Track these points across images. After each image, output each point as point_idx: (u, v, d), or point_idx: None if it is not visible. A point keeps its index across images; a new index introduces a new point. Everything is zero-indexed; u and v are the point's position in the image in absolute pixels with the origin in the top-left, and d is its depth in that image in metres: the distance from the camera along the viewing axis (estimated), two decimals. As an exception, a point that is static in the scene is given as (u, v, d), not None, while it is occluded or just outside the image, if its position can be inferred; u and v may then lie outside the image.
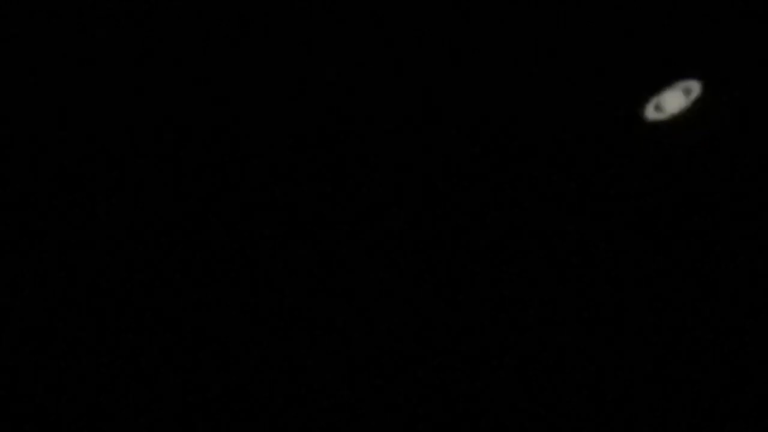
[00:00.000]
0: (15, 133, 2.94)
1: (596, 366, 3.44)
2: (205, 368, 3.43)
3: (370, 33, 3.04)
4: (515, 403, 3.45)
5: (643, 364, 3.41)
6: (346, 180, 3.33)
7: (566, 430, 3.42)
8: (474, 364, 3.47)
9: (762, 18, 3.28)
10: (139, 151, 3.12)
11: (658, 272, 3.45)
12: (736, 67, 3.31)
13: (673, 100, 3.34)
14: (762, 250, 3.39)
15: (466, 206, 3.38)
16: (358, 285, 3.45)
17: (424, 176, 3.25)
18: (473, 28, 3.18)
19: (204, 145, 3.15)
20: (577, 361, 3.42)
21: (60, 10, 2.89)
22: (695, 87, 3.32)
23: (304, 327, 3.46)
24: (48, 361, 3.29)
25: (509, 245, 3.46)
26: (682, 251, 3.44)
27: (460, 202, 3.37)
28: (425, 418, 3.48)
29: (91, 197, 3.13)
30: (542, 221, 3.44)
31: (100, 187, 3.13)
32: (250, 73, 3.09)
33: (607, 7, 3.28)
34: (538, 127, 3.34)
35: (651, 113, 3.35)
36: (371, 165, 3.21)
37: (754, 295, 3.36)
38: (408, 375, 3.48)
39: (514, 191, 3.38)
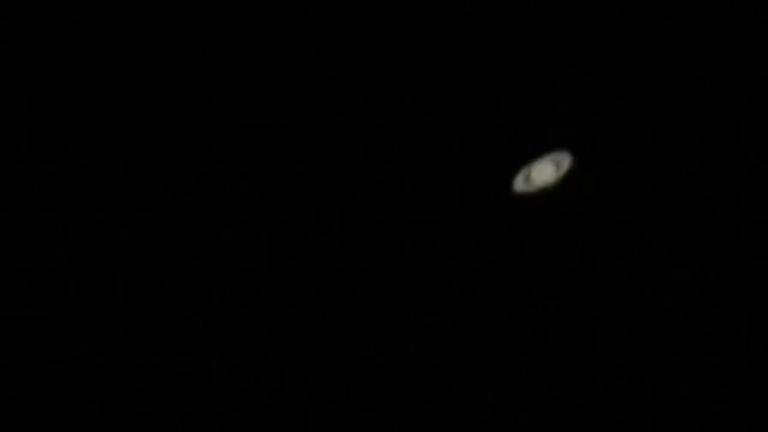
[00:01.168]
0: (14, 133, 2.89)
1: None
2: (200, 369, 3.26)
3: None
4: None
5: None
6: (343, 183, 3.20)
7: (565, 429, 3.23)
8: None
9: (636, 95, 3.20)
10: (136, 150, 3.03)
11: (529, 347, 3.31)
12: (607, 140, 3.22)
13: (542, 172, 3.25)
14: (634, 321, 3.26)
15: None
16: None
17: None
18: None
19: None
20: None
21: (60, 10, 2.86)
22: (565, 159, 3.23)
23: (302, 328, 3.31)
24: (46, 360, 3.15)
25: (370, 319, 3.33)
26: (554, 321, 3.31)
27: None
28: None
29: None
30: (405, 297, 3.32)
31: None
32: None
33: (475, 81, 3.22)
34: (398, 196, 3.25)
35: (520, 185, 3.25)
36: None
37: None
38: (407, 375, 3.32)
39: (368, 267, 3.27)
